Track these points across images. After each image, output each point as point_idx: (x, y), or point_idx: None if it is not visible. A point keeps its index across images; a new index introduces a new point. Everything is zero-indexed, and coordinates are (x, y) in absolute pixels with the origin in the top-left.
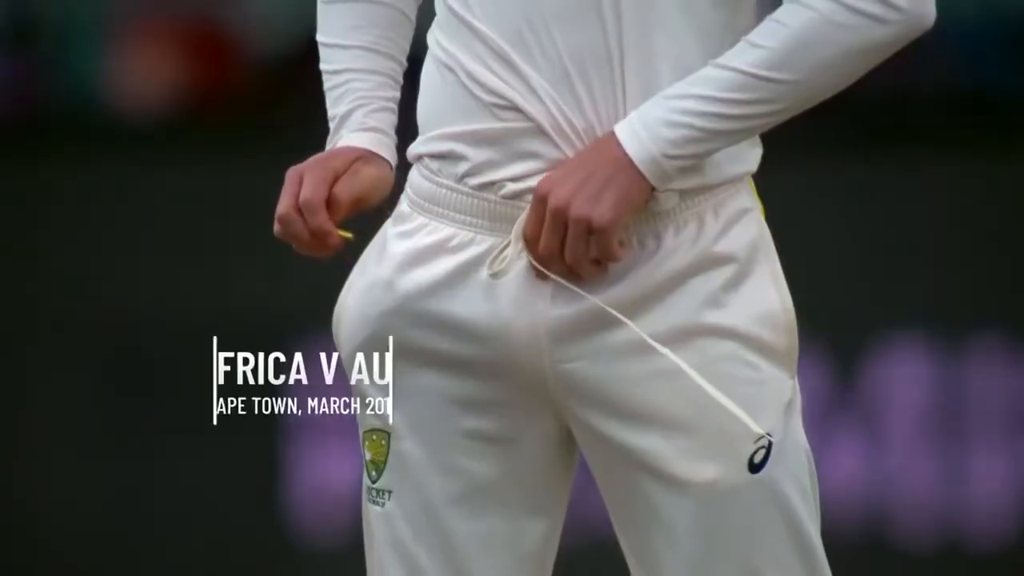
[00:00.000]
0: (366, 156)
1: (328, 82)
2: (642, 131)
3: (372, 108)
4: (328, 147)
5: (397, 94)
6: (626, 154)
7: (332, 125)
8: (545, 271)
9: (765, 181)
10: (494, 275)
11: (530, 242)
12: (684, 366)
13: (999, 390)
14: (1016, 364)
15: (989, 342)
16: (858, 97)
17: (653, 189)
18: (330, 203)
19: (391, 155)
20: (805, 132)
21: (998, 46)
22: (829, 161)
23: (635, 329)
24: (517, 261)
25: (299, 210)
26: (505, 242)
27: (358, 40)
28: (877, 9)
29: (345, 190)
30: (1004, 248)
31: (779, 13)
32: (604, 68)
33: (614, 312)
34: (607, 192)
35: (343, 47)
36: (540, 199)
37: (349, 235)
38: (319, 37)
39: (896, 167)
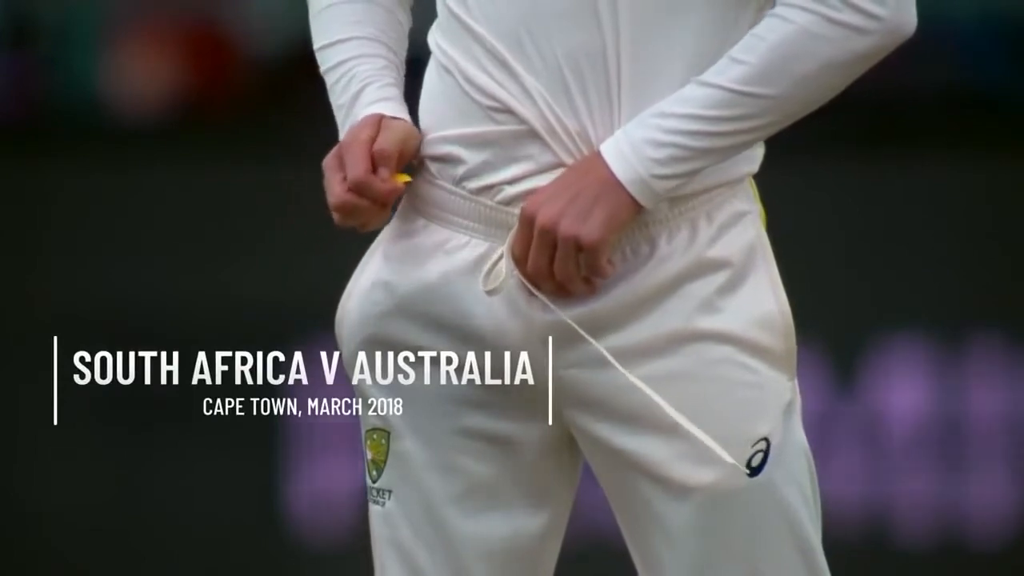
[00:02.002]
0: (388, 117)
1: (331, 78)
2: (628, 151)
3: (382, 83)
4: (343, 132)
5: (402, 80)
6: (613, 175)
7: (341, 113)
8: (534, 290)
9: (765, 181)
10: (489, 292)
11: (519, 261)
12: (646, 389)
13: (998, 390)
14: (1015, 364)
15: (989, 342)
16: (858, 97)
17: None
18: (379, 161)
19: (409, 119)
20: (805, 132)
21: (998, 46)
22: (829, 161)
23: (598, 346)
24: (510, 278)
25: (351, 192)
26: (498, 255)
27: (359, 32)
28: (856, 19)
29: (386, 142)
30: (1004, 248)
31: (759, 28)
32: (599, 71)
33: (580, 330)
34: (595, 211)
35: (344, 40)
36: (527, 219)
37: (408, 178)
38: (317, 46)
39: (896, 167)
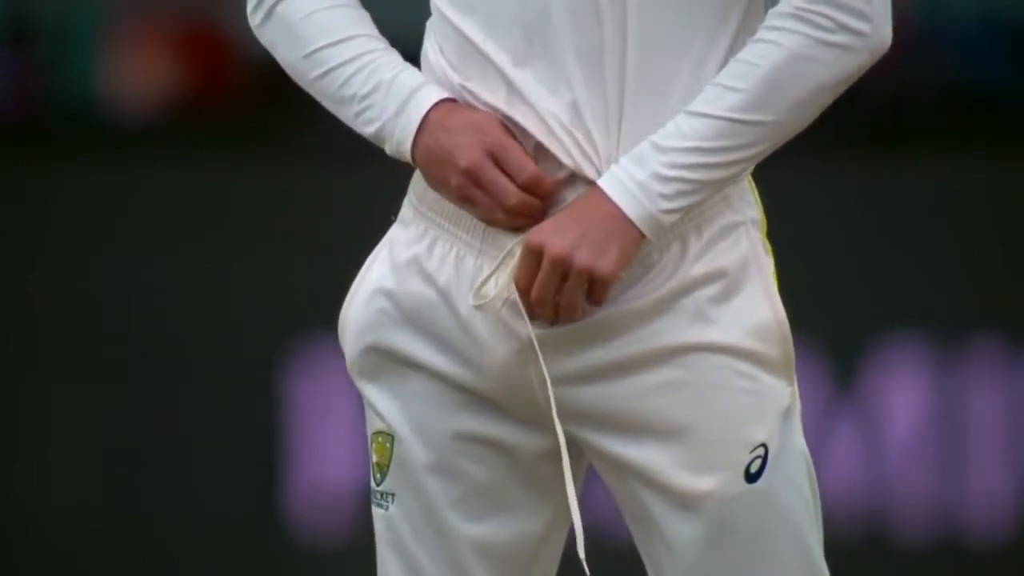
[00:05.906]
0: (499, 117)
1: (344, 71)
2: (634, 188)
3: (415, 71)
4: (376, 120)
5: None
6: (622, 212)
7: (368, 101)
8: (527, 317)
9: (765, 181)
10: (477, 308)
11: (522, 290)
12: (559, 426)
13: (998, 391)
14: (1015, 364)
15: (988, 342)
16: (858, 97)
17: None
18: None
19: None
20: (805, 132)
21: (998, 46)
22: (829, 161)
23: (543, 371)
24: (499, 300)
25: (525, 191)
26: (490, 272)
27: (364, 31)
28: (846, 39)
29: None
30: (1004, 248)
31: (748, 53)
32: (599, 72)
33: (540, 356)
34: (609, 246)
35: (352, 38)
36: (533, 249)
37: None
38: (308, 49)
39: (896, 167)
